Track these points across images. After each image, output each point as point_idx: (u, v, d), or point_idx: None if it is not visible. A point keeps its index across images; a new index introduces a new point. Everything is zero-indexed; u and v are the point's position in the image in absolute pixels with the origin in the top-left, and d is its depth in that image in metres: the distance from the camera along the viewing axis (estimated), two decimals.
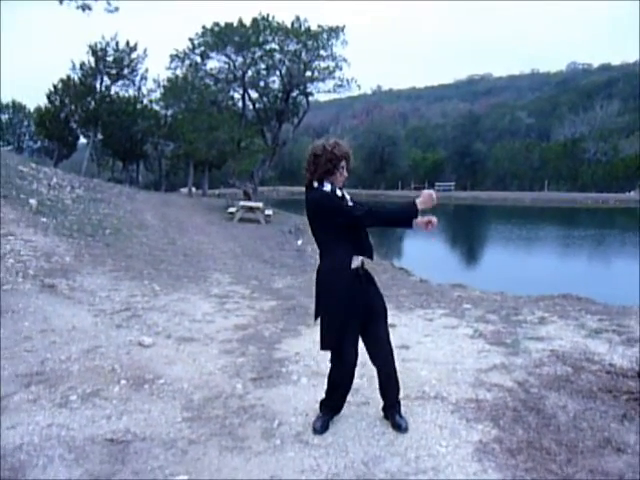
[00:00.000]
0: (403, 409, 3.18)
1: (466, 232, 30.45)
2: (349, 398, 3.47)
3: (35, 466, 2.68)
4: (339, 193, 2.97)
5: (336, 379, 3.08)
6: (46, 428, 3.06)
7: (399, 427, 3.05)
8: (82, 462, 2.73)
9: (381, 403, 3.20)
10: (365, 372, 3.80)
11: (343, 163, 2.96)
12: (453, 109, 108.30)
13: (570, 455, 2.77)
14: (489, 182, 69.00)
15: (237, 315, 5.85)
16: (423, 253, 20.00)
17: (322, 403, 3.17)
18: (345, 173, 3.01)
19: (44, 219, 9.60)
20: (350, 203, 2.97)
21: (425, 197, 2.79)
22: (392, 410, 3.14)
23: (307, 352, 4.42)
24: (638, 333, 4.90)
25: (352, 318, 2.93)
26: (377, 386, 3.17)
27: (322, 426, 3.05)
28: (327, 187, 2.95)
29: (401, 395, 3.20)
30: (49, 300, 5.54)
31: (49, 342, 4.47)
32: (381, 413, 3.21)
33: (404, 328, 5.14)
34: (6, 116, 48.25)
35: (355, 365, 3.03)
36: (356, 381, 3.74)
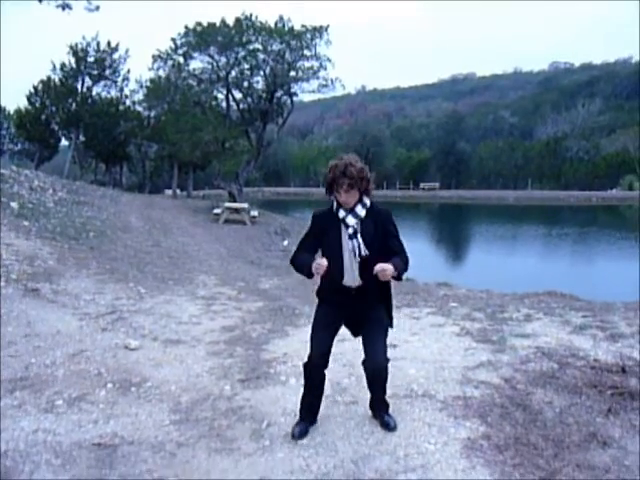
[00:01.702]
0: (391, 407, 3.19)
1: (451, 231, 30.66)
2: (337, 397, 3.48)
3: (22, 472, 2.64)
4: (341, 214, 2.88)
5: (304, 376, 3.07)
6: (32, 434, 3.02)
7: (387, 426, 3.07)
8: (69, 467, 2.70)
9: (367, 402, 3.22)
10: (353, 372, 3.82)
11: (343, 181, 2.79)
12: (437, 108, 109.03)
13: (557, 450, 2.80)
14: (473, 181, 69.61)
15: (224, 317, 5.82)
16: (409, 252, 20.07)
17: (301, 406, 3.14)
18: (343, 195, 2.83)
19: (26, 222, 9.46)
20: (350, 230, 2.85)
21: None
22: (380, 409, 3.15)
23: (295, 353, 4.42)
24: (621, 329, 4.98)
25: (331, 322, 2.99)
26: (365, 385, 3.18)
27: (300, 431, 3.02)
28: (334, 205, 2.93)
29: (389, 394, 3.21)
30: (33, 304, 5.46)
31: (33, 347, 4.41)
32: (369, 412, 3.22)
33: None
34: None
35: (322, 365, 2.98)
36: (344, 380, 3.77)
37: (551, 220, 34.77)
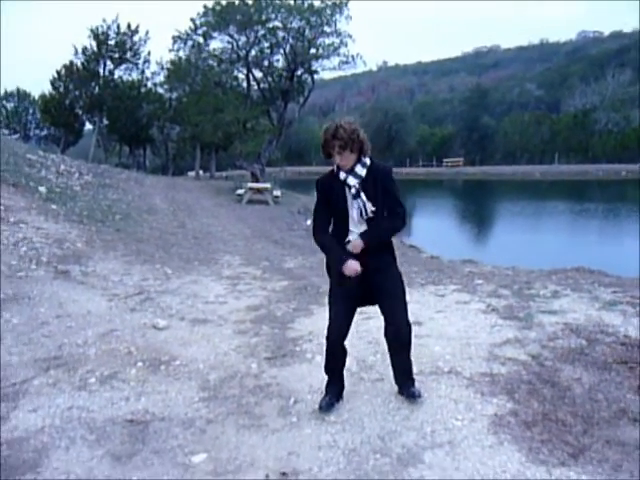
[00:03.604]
0: (417, 385, 3.19)
1: (475, 208, 30.24)
2: (363, 375, 3.50)
3: (58, 447, 2.74)
4: (342, 176, 2.88)
5: (326, 351, 3.07)
6: (67, 410, 3.12)
7: (413, 395, 3.07)
8: (103, 442, 2.79)
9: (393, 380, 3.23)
10: (378, 349, 3.83)
11: (334, 143, 2.81)
12: (460, 83, 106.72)
13: (586, 426, 2.78)
14: (498, 156, 68.20)
15: (249, 296, 5.88)
16: (433, 230, 19.93)
17: (327, 382, 3.17)
18: (337, 157, 2.85)
19: (54, 206, 9.64)
20: (353, 190, 2.85)
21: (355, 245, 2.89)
22: (405, 382, 3.15)
23: (320, 331, 4.41)
24: None
25: (347, 295, 2.96)
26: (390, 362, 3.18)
27: (327, 404, 3.05)
28: (334, 168, 2.94)
29: (415, 371, 3.21)
30: (63, 286, 5.60)
31: (65, 327, 4.53)
32: (396, 388, 3.23)
33: (416, 305, 5.14)
34: (11, 104, 48.26)
35: (341, 339, 2.99)
36: (370, 358, 3.78)
37: (579, 195, 33.99)
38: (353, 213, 2.91)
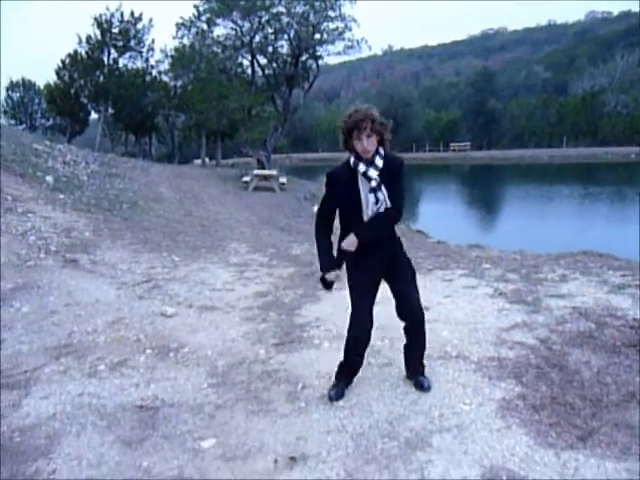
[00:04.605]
0: (426, 369, 3.20)
1: (482, 193, 30.07)
2: (371, 360, 3.51)
3: (69, 433, 2.77)
4: (362, 168, 2.79)
5: (347, 344, 3.06)
6: (77, 397, 3.15)
7: (421, 386, 3.08)
8: (114, 428, 2.82)
9: (403, 363, 3.23)
10: (386, 334, 3.83)
11: (366, 124, 2.70)
12: (467, 66, 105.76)
13: (595, 409, 2.77)
14: (505, 140, 67.60)
15: (257, 283, 5.90)
16: (439, 215, 19.86)
17: (338, 371, 3.15)
18: (365, 140, 2.72)
19: (61, 195, 9.68)
20: (374, 183, 2.77)
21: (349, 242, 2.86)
22: (416, 370, 3.16)
23: (328, 317, 4.46)
24: None
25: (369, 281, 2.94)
26: (399, 347, 3.18)
27: (337, 393, 3.05)
28: (351, 160, 2.84)
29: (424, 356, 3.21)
30: (72, 275, 5.63)
31: (74, 315, 4.57)
32: (404, 373, 3.23)
33: (423, 289, 5.07)
34: (17, 95, 48.23)
35: (368, 327, 2.98)
36: (377, 343, 3.78)
37: (587, 178, 33.69)
38: (367, 207, 2.82)
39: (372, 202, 2.80)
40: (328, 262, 2.94)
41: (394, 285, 3.01)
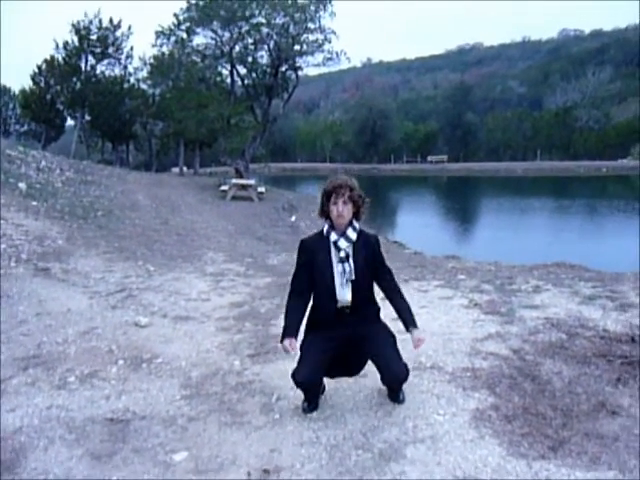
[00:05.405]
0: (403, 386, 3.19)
1: (459, 204, 30.46)
2: None
3: (36, 447, 2.69)
4: (333, 237, 2.87)
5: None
6: (45, 410, 3.07)
7: (396, 398, 3.08)
8: (83, 442, 2.75)
9: (378, 375, 3.22)
10: None
11: (344, 191, 2.82)
12: (444, 80, 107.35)
13: (565, 419, 2.81)
14: (482, 153, 68.85)
15: (233, 293, 5.85)
16: (417, 226, 20.03)
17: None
18: (340, 205, 2.82)
19: (34, 203, 9.50)
20: (342, 254, 2.85)
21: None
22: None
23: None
24: (631, 299, 4.95)
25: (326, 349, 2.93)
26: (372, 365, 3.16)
27: (311, 406, 3.02)
28: (325, 228, 2.94)
29: None
30: (43, 283, 5.52)
31: (45, 325, 4.46)
32: (378, 384, 3.22)
33: None
34: None
35: (311, 379, 2.92)
36: None
37: (560, 191, 34.45)
38: (336, 276, 2.89)
39: (339, 271, 2.89)
40: (285, 330, 2.95)
41: (375, 355, 2.98)
